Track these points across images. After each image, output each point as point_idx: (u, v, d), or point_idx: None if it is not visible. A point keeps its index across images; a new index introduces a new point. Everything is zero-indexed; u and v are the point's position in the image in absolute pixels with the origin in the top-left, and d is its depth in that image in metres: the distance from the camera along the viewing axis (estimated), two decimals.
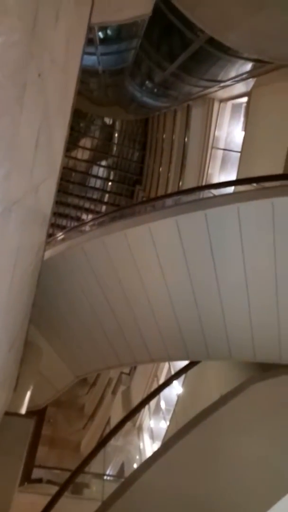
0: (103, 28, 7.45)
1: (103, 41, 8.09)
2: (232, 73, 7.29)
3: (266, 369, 5.22)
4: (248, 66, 6.56)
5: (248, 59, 5.33)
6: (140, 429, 11.64)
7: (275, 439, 3.77)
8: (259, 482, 3.34)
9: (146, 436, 11.32)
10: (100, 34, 7.84)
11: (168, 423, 9.76)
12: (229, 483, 3.32)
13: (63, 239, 6.49)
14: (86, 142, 30.82)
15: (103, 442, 5.22)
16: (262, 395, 4.54)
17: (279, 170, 6.42)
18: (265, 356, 5.02)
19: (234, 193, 4.96)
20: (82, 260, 5.04)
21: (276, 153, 6.65)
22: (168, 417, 10.02)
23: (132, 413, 6.56)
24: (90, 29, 4.82)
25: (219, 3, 3.48)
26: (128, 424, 10.46)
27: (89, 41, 7.52)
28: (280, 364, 4.98)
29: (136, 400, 11.78)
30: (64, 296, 5.51)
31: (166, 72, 8.47)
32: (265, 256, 4.25)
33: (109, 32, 7.95)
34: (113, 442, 9.05)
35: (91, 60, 9.85)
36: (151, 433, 11.29)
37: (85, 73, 11.51)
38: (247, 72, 7.06)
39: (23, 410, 5.25)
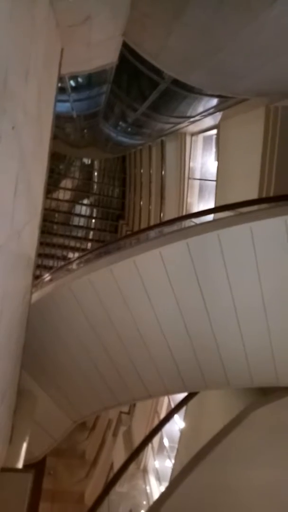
0: (74, 77, 7.83)
1: (74, 88, 8.48)
2: (200, 109, 7.70)
3: (265, 393, 5.15)
4: (214, 101, 6.94)
5: (212, 95, 5.67)
6: (145, 471, 11.12)
7: (282, 464, 3.68)
8: (269, 510, 3.22)
9: (152, 478, 10.79)
10: (72, 82, 8.23)
11: (173, 461, 9.37)
12: None
13: (50, 280, 6.46)
14: (67, 182, 31.43)
15: (105, 491, 4.96)
16: (264, 420, 4.46)
17: (254, 195, 6.66)
18: (263, 380, 4.98)
19: (213, 220, 5.10)
20: (70, 300, 5.01)
21: (249, 179, 6.93)
22: (173, 454, 9.63)
23: (134, 455, 6.31)
24: (61, 78, 5.08)
25: (180, 48, 3.74)
26: (133, 467, 9.98)
27: (62, 90, 7.88)
28: (278, 387, 4.93)
29: (138, 440, 11.31)
30: (55, 339, 5.42)
31: (138, 113, 8.88)
32: (250, 280, 4.32)
33: (80, 80, 8.36)
34: (118, 488, 8.59)
35: (65, 106, 10.25)
36: (157, 474, 10.77)
37: (61, 119, 11.91)
38: (213, 107, 7.47)
39: (20, 464, 4.98)
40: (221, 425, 4.66)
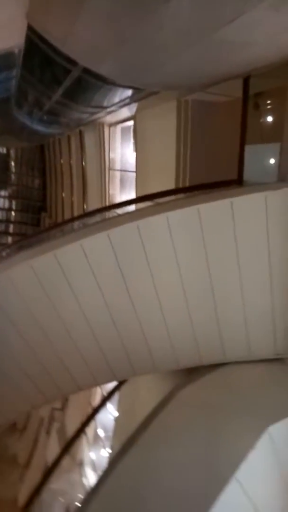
0: None
1: None
2: (116, 99, 7.68)
3: (190, 373, 5.45)
4: (129, 92, 6.97)
5: (125, 87, 5.69)
6: (81, 465, 11.10)
7: (208, 439, 3.94)
8: (198, 483, 3.45)
9: (88, 470, 10.82)
10: None
11: (109, 450, 9.51)
12: (169, 493, 3.37)
13: None
14: None
15: (37, 490, 4.85)
16: (189, 399, 4.72)
17: (171, 185, 6.92)
18: (187, 361, 5.25)
19: (132, 211, 5.19)
20: None
21: (166, 170, 7.16)
22: (109, 444, 9.77)
23: (66, 449, 6.24)
24: None
25: (87, 36, 3.66)
26: (68, 462, 9.90)
27: None
28: (202, 366, 5.24)
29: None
30: None
31: (52, 101, 8.54)
32: (170, 269, 4.50)
33: None
34: (53, 485, 8.46)
35: None
36: (93, 466, 10.84)
37: None
38: (129, 97, 7.51)
39: None
40: (152, 408, 4.83)
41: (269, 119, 5.76)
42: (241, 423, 3.83)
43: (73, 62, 5.36)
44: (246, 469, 3.41)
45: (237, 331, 4.85)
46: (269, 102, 5.64)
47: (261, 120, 5.67)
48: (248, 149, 5.00)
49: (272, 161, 4.69)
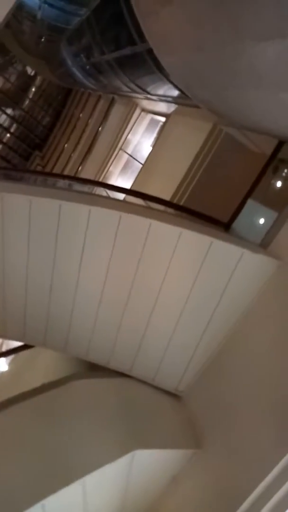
0: None
1: None
2: (160, 91, 7.60)
3: (93, 369, 5.48)
4: (176, 92, 6.94)
5: (176, 87, 5.67)
6: None
7: (77, 436, 3.97)
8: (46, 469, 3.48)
9: None
10: None
11: None
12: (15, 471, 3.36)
13: None
14: None
15: None
16: (80, 392, 4.73)
17: (168, 196, 6.95)
18: (96, 356, 5.26)
19: (92, 194, 5.06)
20: None
21: (170, 179, 7.20)
22: None
23: None
24: None
25: (168, 24, 3.60)
26: None
27: None
28: (107, 368, 5.29)
29: None
30: None
31: (103, 58, 8.30)
32: (99, 268, 4.50)
33: None
34: None
35: (33, 1, 9.17)
36: None
37: (23, 12, 10.46)
38: (172, 97, 7.48)
39: None
40: (41, 383, 4.80)
41: (279, 186, 5.99)
42: (112, 436, 3.92)
43: (142, 37, 5.26)
44: (96, 477, 3.50)
45: (154, 354, 4.94)
46: (287, 172, 5.87)
47: (272, 184, 5.88)
48: (249, 202, 5.16)
49: (264, 224, 4.87)
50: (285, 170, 6.00)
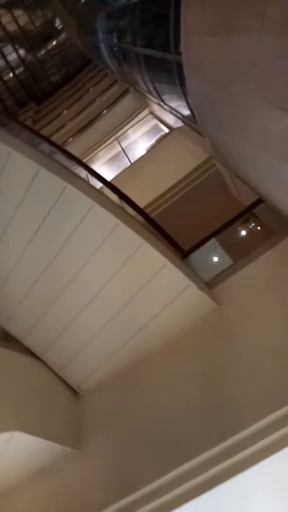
0: None
1: None
2: (173, 104, 7.70)
3: (6, 340, 5.32)
4: (186, 111, 7.06)
5: (189, 107, 5.76)
6: None
7: None
8: None
9: None
10: None
11: None
12: None
13: None
14: (21, 18, 26.21)
15: None
16: None
17: (143, 203, 7.01)
18: (15, 328, 5.10)
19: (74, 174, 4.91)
20: None
21: (151, 189, 7.27)
22: None
23: None
24: None
25: (207, 54, 3.67)
26: None
27: None
28: (21, 344, 5.14)
29: None
30: None
31: (133, 49, 8.24)
32: (57, 241, 4.41)
33: None
34: None
35: None
36: None
37: None
38: (182, 114, 7.59)
39: None
40: None
41: (243, 236, 6.30)
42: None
43: (177, 49, 5.31)
44: None
45: (71, 347, 4.92)
46: (255, 227, 6.20)
47: (238, 231, 6.17)
48: (212, 241, 5.37)
49: (216, 267, 5.09)
50: (253, 224, 6.34)
